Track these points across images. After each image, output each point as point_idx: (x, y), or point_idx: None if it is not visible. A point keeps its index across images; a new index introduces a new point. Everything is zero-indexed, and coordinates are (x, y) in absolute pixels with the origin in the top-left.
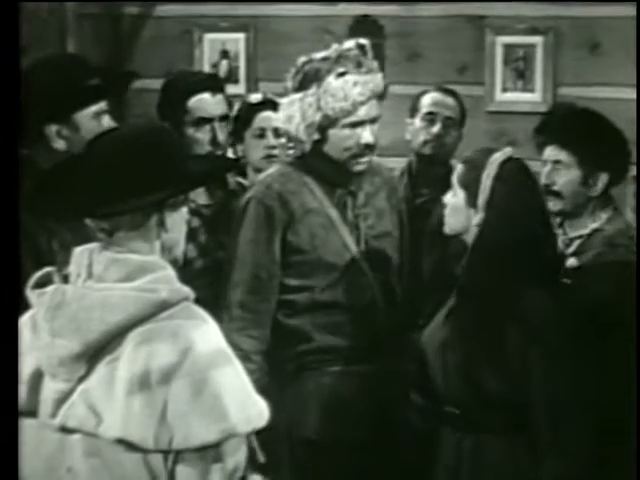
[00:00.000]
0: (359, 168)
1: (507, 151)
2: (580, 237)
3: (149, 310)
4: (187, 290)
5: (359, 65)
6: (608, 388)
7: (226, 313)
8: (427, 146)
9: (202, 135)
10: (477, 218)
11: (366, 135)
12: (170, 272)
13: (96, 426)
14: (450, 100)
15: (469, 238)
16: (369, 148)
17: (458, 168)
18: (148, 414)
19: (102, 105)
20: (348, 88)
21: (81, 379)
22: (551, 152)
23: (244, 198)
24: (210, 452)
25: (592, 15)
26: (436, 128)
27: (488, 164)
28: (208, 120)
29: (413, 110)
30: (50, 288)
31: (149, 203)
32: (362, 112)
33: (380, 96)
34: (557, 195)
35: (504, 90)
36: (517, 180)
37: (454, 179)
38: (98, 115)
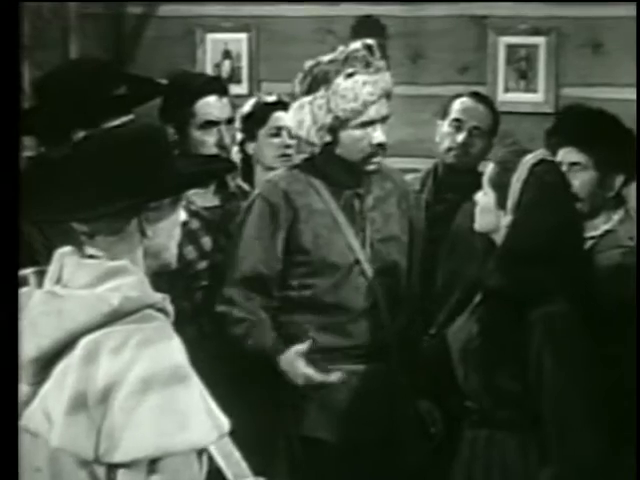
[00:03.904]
0: (371, 168)
1: (539, 153)
2: (592, 238)
3: (99, 319)
4: (153, 297)
5: (367, 65)
6: (622, 392)
7: (225, 307)
8: (450, 154)
9: (209, 138)
10: (506, 220)
11: (377, 135)
12: (138, 277)
13: (48, 432)
14: (481, 108)
15: (498, 238)
16: (381, 147)
17: (489, 168)
18: (87, 426)
19: (131, 116)
20: (358, 88)
21: (39, 384)
22: (567, 154)
23: (251, 196)
24: (143, 466)
25: (594, 15)
26: (461, 137)
27: (519, 166)
28: (215, 123)
29: (444, 113)
30: (21, 291)
31: (119, 209)
32: (372, 112)
33: (388, 95)
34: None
35: (506, 90)
36: (547, 184)
37: (485, 179)
38: (125, 124)
